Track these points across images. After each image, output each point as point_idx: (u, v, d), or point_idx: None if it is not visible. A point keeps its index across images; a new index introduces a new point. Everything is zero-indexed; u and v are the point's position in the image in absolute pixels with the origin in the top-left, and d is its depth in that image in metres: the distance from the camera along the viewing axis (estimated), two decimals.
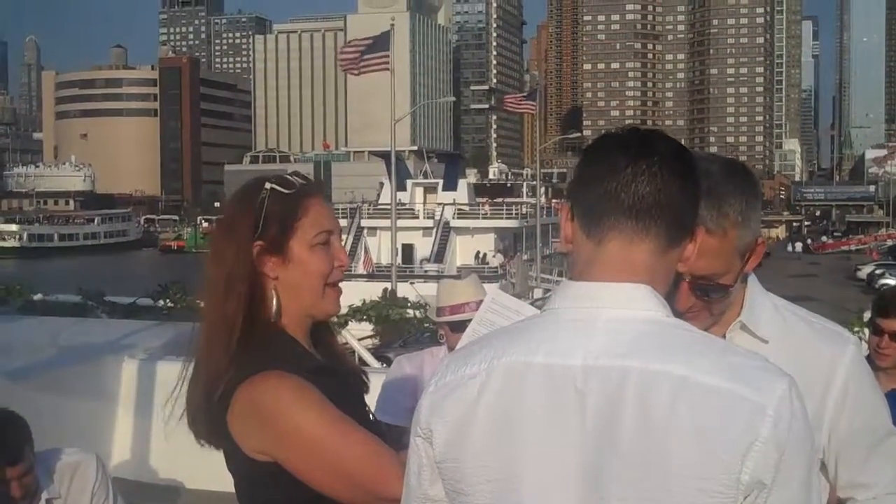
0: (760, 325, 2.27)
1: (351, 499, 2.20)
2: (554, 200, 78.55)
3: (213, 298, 2.30)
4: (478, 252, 59.16)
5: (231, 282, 2.27)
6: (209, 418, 2.26)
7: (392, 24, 40.06)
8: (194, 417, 2.31)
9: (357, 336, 13.83)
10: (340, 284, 2.40)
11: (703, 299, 2.15)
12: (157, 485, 7.10)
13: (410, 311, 15.70)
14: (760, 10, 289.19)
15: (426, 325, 14.39)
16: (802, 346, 2.23)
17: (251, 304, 2.28)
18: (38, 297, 12.73)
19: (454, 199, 62.70)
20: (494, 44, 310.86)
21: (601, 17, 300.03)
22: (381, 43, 36.50)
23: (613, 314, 1.66)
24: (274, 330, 2.30)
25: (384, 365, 17.29)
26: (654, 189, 1.67)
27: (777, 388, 1.58)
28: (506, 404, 1.66)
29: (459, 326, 4.47)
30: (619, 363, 1.60)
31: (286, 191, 2.32)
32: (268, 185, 2.32)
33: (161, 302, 12.34)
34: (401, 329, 16.82)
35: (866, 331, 4.65)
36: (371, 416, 2.44)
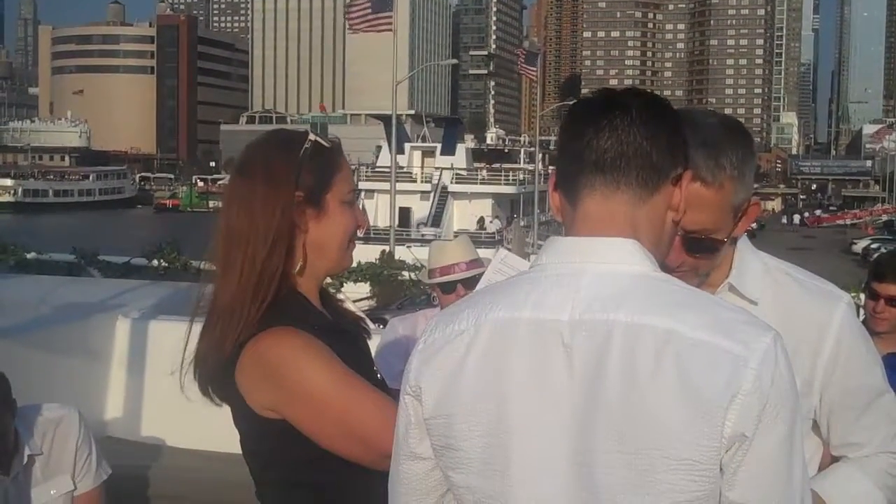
0: (749, 286, 2.25)
1: (356, 454, 2.19)
2: (551, 167, 78.40)
3: (253, 249, 2.23)
4: (481, 217, 59.05)
5: (277, 235, 2.24)
6: (218, 373, 2.25)
7: None
8: (203, 372, 2.29)
9: (353, 298, 13.73)
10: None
11: (693, 256, 2.14)
12: (148, 443, 7.03)
13: (406, 273, 15.63)
14: None
15: (422, 286, 14.35)
16: (793, 306, 2.21)
17: (288, 256, 2.27)
18: (31, 255, 12.62)
19: (452, 164, 62.52)
20: (494, 9, 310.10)
21: None
22: (384, 3, 36.32)
23: (599, 269, 1.67)
24: (286, 287, 2.27)
25: (381, 326, 17.32)
26: (615, 141, 1.68)
27: (761, 342, 1.58)
28: (494, 359, 1.67)
29: (450, 287, 4.50)
30: (605, 317, 1.61)
31: (326, 144, 2.33)
32: (312, 137, 2.32)
33: (155, 262, 12.26)
34: (397, 291, 16.78)
35: (862, 296, 4.62)
36: (378, 374, 2.41)
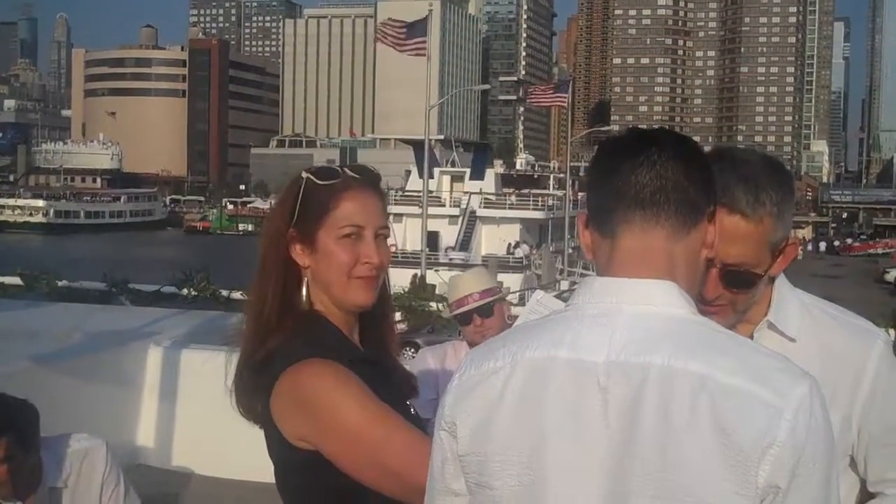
0: (788, 324, 2.25)
1: (388, 488, 2.19)
2: (580, 193, 78.28)
3: (253, 280, 2.38)
4: (510, 243, 59.06)
5: (266, 266, 2.34)
6: (254, 402, 2.31)
7: (430, 11, 40.18)
8: (240, 400, 2.36)
9: None
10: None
11: (730, 290, 2.14)
12: (178, 471, 7.07)
13: (433, 304, 15.68)
14: (793, 9, 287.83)
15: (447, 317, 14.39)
16: (831, 343, 2.21)
17: (287, 289, 2.33)
18: (63, 283, 12.71)
19: (481, 189, 62.54)
20: (524, 35, 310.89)
21: (632, 12, 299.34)
22: (418, 28, 36.52)
23: (636, 310, 1.67)
24: (318, 317, 2.33)
25: (412, 351, 17.37)
26: (654, 176, 1.69)
27: (797, 391, 1.57)
28: (530, 399, 1.67)
29: (466, 318, 4.55)
30: (640, 360, 1.61)
31: (320, 182, 2.34)
32: (304, 175, 2.36)
33: (185, 290, 12.31)
34: (427, 318, 16.84)
35: (892, 332, 4.51)
36: (412, 409, 2.42)
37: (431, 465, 1.82)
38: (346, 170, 2.39)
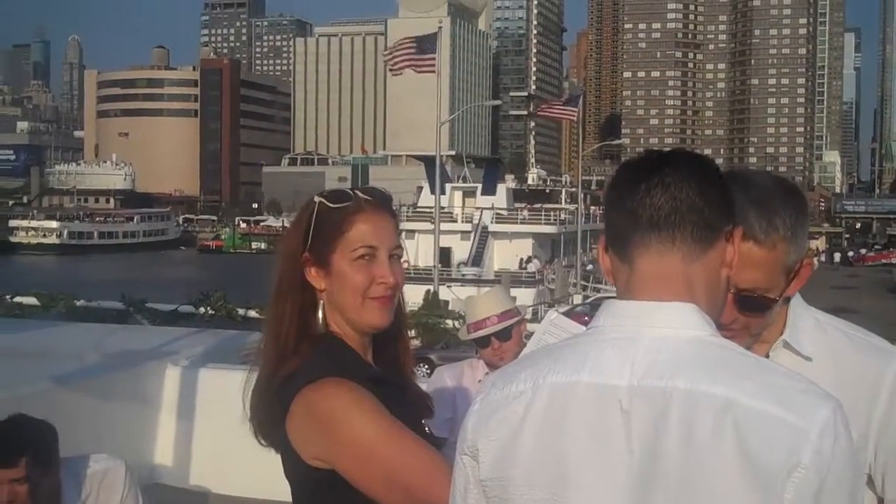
0: (803, 343, 2.25)
1: None
2: (593, 207, 78.27)
3: (270, 303, 2.39)
4: (522, 258, 59.06)
5: (282, 288, 2.37)
6: (269, 423, 2.33)
7: (440, 27, 40.14)
8: (256, 422, 2.38)
9: None
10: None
11: (745, 314, 2.14)
12: (195, 491, 7.10)
13: (449, 322, 15.71)
14: (803, 20, 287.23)
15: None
16: (846, 362, 2.21)
17: (303, 312, 2.36)
18: (80, 303, 12.77)
19: (493, 204, 62.61)
20: (534, 50, 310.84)
21: (642, 25, 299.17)
22: (427, 45, 36.43)
23: (657, 333, 1.67)
24: (332, 338, 2.36)
25: (426, 368, 17.42)
26: (668, 197, 1.69)
27: (821, 414, 1.58)
28: (552, 423, 1.67)
29: (485, 342, 4.55)
30: (663, 384, 1.61)
31: (332, 205, 2.36)
32: (316, 199, 2.39)
33: (202, 309, 12.36)
34: (441, 334, 16.89)
35: None
36: (427, 428, 2.45)
37: (453, 490, 1.81)
38: (357, 192, 2.41)
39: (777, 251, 2.13)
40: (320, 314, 2.37)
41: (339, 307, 2.37)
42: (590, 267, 59.33)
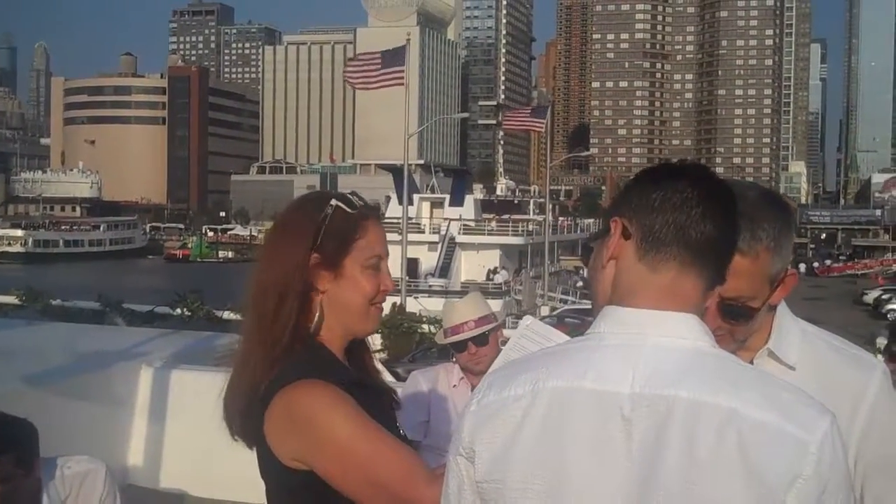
0: (788, 353, 2.28)
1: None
2: (561, 218, 78.41)
3: (265, 304, 2.34)
4: (489, 269, 59.08)
5: (287, 290, 2.33)
6: (247, 423, 2.32)
7: (408, 40, 40.06)
8: (232, 422, 2.38)
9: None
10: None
11: (728, 322, 2.17)
12: (170, 492, 7.10)
13: (425, 326, 15.76)
14: (770, 32, 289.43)
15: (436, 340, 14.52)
16: (829, 373, 2.24)
17: (300, 314, 2.35)
18: (57, 302, 12.75)
19: (460, 215, 62.64)
20: (503, 60, 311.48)
21: (610, 36, 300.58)
22: (395, 57, 36.15)
23: (659, 341, 1.68)
24: (313, 341, 2.36)
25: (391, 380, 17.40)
26: (718, 233, 1.72)
27: (822, 426, 1.60)
28: (552, 429, 1.67)
29: (461, 346, 4.60)
30: (666, 392, 1.62)
31: (349, 210, 2.39)
32: (333, 202, 2.39)
33: (179, 310, 12.37)
34: (410, 343, 16.90)
35: (879, 357, 4.63)
36: (401, 431, 2.45)
37: (446, 491, 1.81)
38: (357, 199, 2.46)
39: (760, 261, 2.15)
40: (316, 318, 2.37)
41: (342, 310, 2.38)
42: (580, 284, 59.16)
